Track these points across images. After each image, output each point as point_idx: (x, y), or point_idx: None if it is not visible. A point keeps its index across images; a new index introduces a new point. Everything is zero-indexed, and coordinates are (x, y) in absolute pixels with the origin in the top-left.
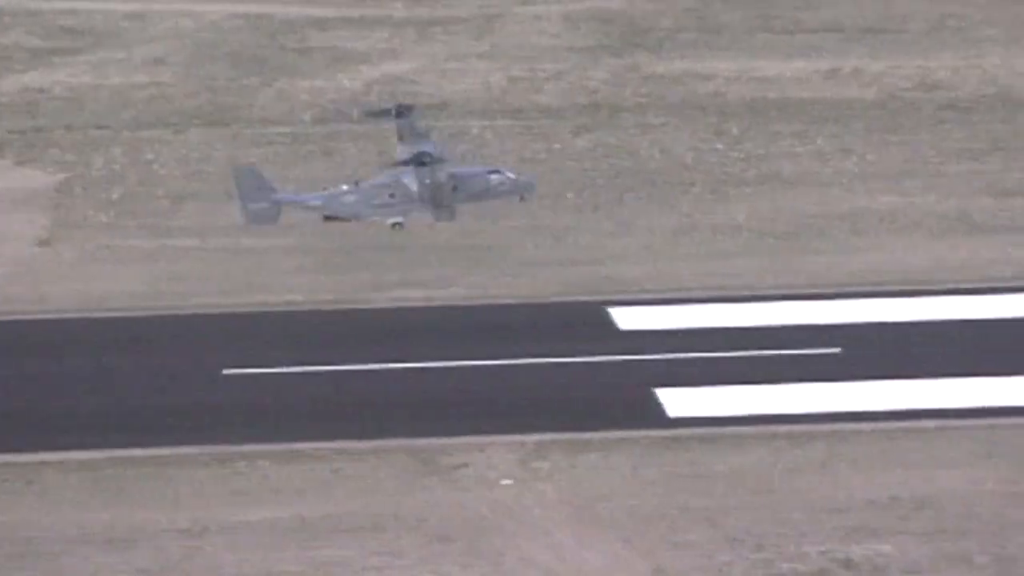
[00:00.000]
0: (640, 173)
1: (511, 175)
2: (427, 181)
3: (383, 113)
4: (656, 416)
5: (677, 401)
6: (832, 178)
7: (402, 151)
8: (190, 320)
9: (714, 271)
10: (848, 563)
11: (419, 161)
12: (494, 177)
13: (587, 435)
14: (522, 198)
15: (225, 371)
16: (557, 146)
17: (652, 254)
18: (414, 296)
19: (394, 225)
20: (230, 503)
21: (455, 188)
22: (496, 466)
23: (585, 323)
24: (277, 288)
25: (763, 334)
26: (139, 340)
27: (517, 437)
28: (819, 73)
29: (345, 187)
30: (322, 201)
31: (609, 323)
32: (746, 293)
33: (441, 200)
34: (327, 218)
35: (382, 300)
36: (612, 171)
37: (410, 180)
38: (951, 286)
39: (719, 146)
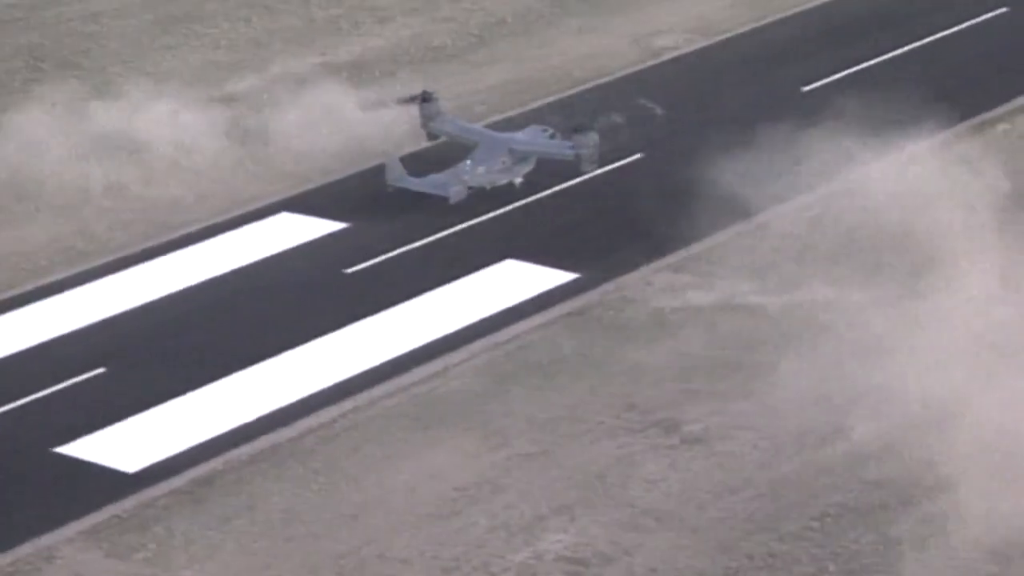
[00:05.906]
0: None
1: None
2: (588, 145)
3: (412, 99)
4: None
5: None
6: None
7: (440, 125)
8: None
9: None
10: None
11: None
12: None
13: None
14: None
15: None
16: None
17: None
18: None
19: (519, 184)
20: None
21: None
22: None
23: None
24: None
25: None
26: None
27: None
28: None
29: (468, 162)
30: (468, 175)
31: None
32: None
33: (594, 158)
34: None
35: None
36: None
37: (524, 146)
38: None
39: None
